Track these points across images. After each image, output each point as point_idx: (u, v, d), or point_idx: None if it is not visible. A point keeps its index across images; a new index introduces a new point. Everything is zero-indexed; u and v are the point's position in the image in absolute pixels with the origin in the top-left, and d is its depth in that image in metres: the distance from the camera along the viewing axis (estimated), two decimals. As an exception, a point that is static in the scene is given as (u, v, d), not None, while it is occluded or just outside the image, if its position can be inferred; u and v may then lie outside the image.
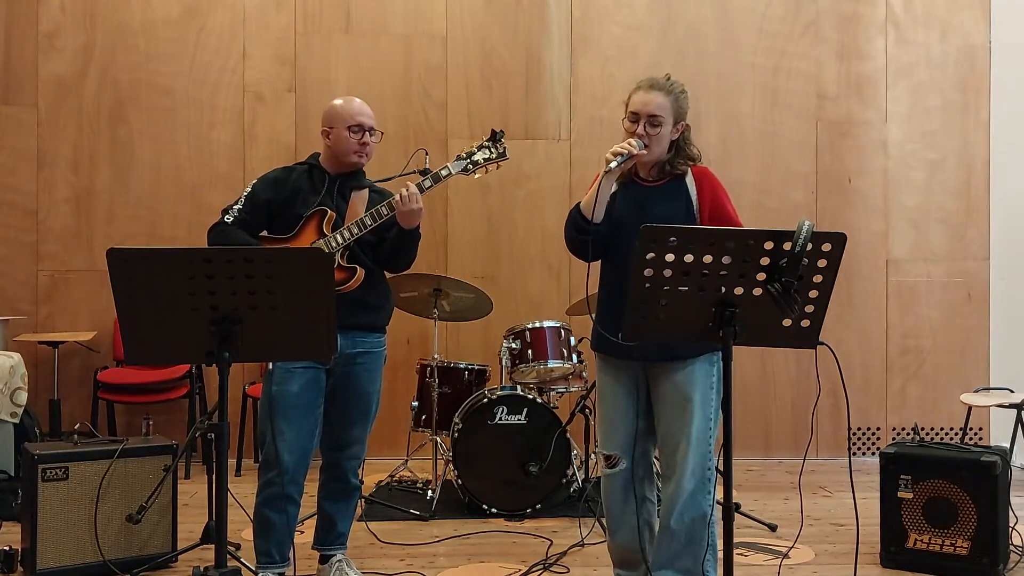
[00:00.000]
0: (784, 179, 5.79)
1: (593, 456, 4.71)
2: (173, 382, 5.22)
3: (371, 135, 3.28)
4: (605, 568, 3.35)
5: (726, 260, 2.28)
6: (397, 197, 3.13)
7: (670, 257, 2.29)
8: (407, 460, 5.08)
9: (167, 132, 5.59)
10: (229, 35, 5.62)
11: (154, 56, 5.58)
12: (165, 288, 2.33)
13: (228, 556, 3.00)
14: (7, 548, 3.51)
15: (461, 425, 4.36)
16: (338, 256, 3.16)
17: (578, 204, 2.94)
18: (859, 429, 5.81)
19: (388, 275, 3.43)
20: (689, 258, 2.29)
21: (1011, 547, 3.60)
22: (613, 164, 2.79)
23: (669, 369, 2.89)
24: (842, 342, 5.65)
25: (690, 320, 2.39)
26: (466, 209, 5.69)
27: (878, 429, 5.80)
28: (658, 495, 3.24)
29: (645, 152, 2.85)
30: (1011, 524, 3.56)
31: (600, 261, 3.00)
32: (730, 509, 2.38)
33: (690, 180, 2.95)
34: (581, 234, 2.88)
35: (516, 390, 4.43)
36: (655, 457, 3.23)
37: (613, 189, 2.92)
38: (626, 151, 2.80)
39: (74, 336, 5.30)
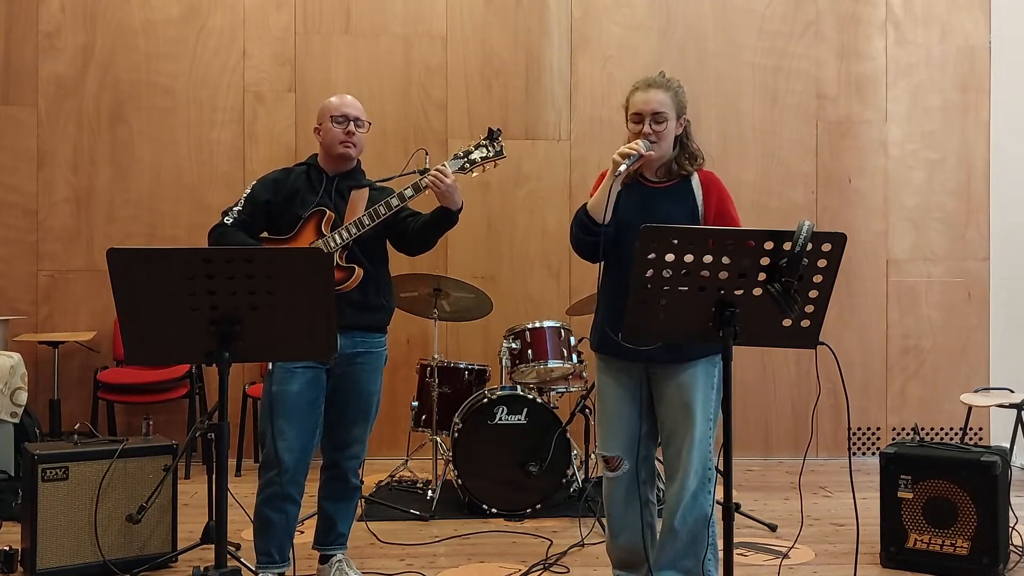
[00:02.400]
0: (784, 179, 5.79)
1: (593, 456, 4.71)
2: (173, 382, 5.21)
3: (357, 125, 3.28)
4: (605, 568, 3.35)
5: (726, 260, 2.29)
6: (431, 181, 3.13)
7: (670, 257, 2.29)
8: (407, 460, 5.08)
9: (167, 132, 5.59)
10: (229, 35, 5.62)
11: (154, 56, 5.59)
12: (165, 288, 2.33)
13: (228, 556, 3.00)
14: (7, 548, 3.51)
15: (461, 425, 4.36)
16: (337, 256, 3.16)
17: (584, 206, 2.93)
18: (859, 429, 5.81)
19: (392, 273, 3.44)
20: (689, 258, 2.29)
21: (1011, 547, 3.60)
22: (623, 167, 2.78)
23: (672, 371, 2.89)
24: (842, 342, 5.65)
25: (690, 320, 2.39)
26: (466, 209, 5.61)
27: (878, 429, 5.80)
28: (658, 496, 3.24)
29: (653, 153, 2.85)
30: (1011, 524, 3.56)
31: (602, 262, 2.99)
32: (730, 509, 2.38)
33: (696, 183, 2.95)
34: (590, 236, 2.88)
35: (516, 390, 4.43)
36: (657, 459, 3.23)
37: (619, 189, 2.93)
38: (635, 152, 2.80)
39: (74, 336, 5.30)
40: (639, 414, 2.96)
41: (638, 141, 2.83)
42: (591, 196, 2.95)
